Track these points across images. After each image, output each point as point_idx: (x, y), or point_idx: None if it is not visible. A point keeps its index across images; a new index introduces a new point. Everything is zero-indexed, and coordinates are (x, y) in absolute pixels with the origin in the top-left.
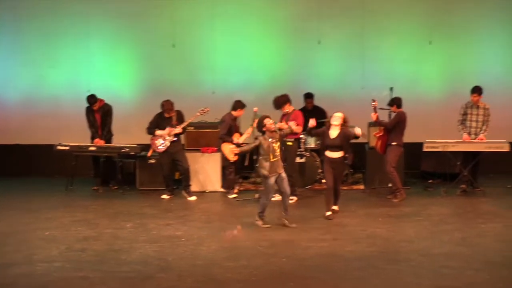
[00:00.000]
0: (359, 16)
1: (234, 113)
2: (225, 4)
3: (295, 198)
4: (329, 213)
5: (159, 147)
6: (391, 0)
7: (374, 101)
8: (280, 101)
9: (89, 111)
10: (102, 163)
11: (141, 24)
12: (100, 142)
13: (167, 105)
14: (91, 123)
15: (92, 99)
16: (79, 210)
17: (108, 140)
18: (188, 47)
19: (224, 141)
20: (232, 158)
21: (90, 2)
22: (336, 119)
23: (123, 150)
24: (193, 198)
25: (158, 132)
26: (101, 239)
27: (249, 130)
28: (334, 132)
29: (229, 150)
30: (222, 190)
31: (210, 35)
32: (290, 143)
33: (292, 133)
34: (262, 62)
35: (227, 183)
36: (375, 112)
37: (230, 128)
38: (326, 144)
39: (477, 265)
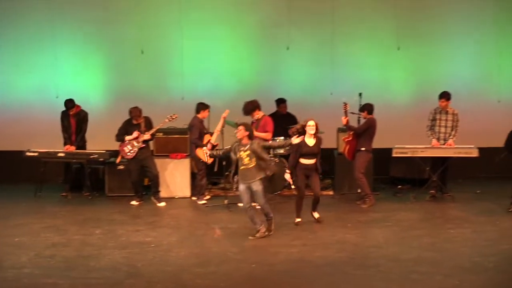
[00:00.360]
0: (328, 22)
1: (199, 115)
2: (194, 10)
3: None
4: (298, 219)
5: (128, 154)
6: (360, 6)
7: (345, 104)
8: (249, 108)
9: (65, 116)
10: (73, 169)
11: (109, 31)
12: (70, 148)
13: (134, 111)
14: (65, 128)
15: (69, 103)
16: (48, 216)
17: (82, 147)
18: (156, 53)
19: (197, 146)
20: (209, 160)
21: (58, 9)
22: (311, 128)
23: (92, 157)
24: (162, 204)
25: (128, 137)
26: (70, 246)
27: (218, 127)
28: (311, 140)
29: (203, 153)
30: (193, 198)
31: (178, 41)
32: None
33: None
34: (231, 68)
35: (198, 189)
36: (346, 115)
37: (200, 131)
38: (303, 152)
39: (446, 271)
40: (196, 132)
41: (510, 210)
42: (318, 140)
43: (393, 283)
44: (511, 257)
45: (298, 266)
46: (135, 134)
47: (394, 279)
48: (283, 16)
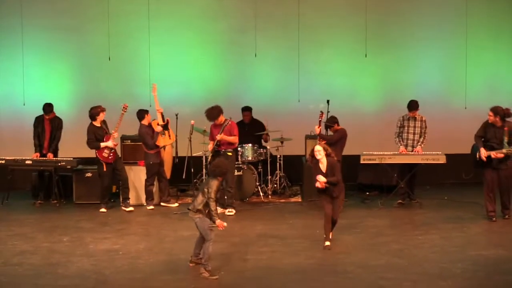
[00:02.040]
0: (295, 29)
1: (144, 122)
2: (161, 17)
3: (233, 211)
4: (326, 243)
5: (109, 158)
6: (327, 13)
7: (322, 113)
8: (215, 113)
9: (39, 122)
10: (41, 177)
11: (76, 37)
12: (48, 155)
13: (101, 108)
14: (38, 135)
15: (48, 107)
16: (15, 224)
17: (55, 154)
18: (124, 60)
19: (155, 143)
20: (170, 140)
21: (26, 16)
22: (318, 154)
23: (59, 164)
24: (131, 209)
25: (103, 144)
26: (38, 253)
27: (157, 107)
28: (322, 166)
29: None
30: (162, 204)
31: (145, 48)
32: (230, 153)
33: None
34: (198, 75)
35: (147, 194)
36: (319, 125)
37: (149, 135)
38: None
39: (414, 277)
40: (146, 137)
41: (507, 217)
42: (329, 164)
43: None
44: (478, 263)
45: (267, 273)
46: (110, 141)
47: (363, 285)
48: (250, 23)
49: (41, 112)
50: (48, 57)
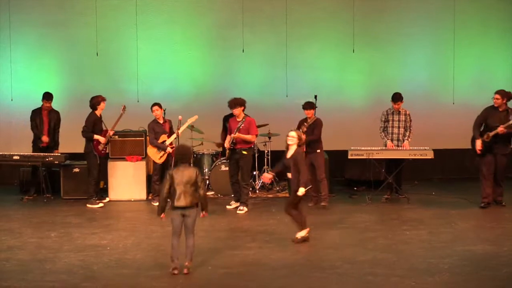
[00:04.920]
0: (283, 24)
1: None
2: (148, 12)
3: (245, 209)
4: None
5: (102, 151)
6: (315, 8)
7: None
8: (236, 102)
9: (38, 113)
10: (34, 173)
11: (64, 33)
12: (46, 138)
13: (99, 98)
14: (36, 126)
15: (49, 95)
16: (3, 219)
17: (56, 147)
18: (111, 55)
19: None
20: (159, 160)
21: (13, 11)
22: (290, 139)
23: (47, 159)
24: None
25: (96, 136)
26: (26, 249)
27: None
28: (290, 152)
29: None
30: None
31: (133, 43)
32: (245, 152)
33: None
34: (186, 71)
35: (153, 191)
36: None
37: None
38: (284, 163)
39: (401, 272)
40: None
41: (482, 205)
42: (295, 153)
43: (349, 284)
44: (465, 258)
45: (254, 269)
46: (103, 139)
47: (350, 281)
48: (238, 18)
49: (29, 107)
50: (36, 53)
